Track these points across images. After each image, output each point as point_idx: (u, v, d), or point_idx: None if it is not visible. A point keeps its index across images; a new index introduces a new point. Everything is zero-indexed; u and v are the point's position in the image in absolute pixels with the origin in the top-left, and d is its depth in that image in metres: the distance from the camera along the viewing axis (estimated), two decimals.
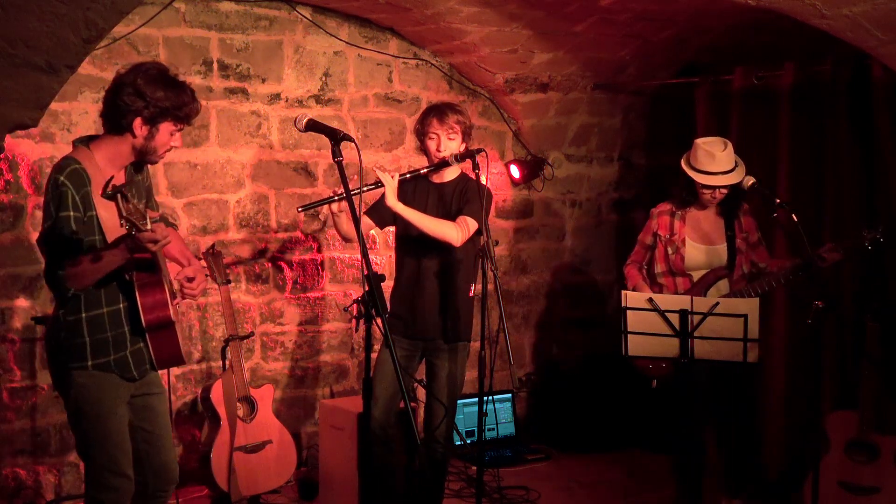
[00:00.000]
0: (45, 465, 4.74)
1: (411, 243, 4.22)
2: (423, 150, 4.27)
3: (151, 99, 3.09)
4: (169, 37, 4.92)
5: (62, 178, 3.04)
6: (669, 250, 4.42)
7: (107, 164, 3.16)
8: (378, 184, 4.05)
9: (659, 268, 4.49)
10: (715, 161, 4.21)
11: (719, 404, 4.58)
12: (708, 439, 4.67)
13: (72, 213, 3.03)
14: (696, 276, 4.38)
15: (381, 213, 4.25)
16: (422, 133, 4.22)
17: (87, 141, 3.21)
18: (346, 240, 4.32)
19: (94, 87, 4.75)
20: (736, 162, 4.28)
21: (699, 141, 4.29)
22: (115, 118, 3.14)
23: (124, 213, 2.78)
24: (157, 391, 3.37)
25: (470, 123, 4.28)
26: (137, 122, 3.11)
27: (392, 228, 4.39)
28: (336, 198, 3.98)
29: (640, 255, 4.58)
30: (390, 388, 4.15)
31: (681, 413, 4.42)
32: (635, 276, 4.50)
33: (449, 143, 4.16)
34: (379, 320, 3.08)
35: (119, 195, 2.77)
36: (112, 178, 2.91)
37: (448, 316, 4.21)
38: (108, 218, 3.08)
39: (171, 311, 3.17)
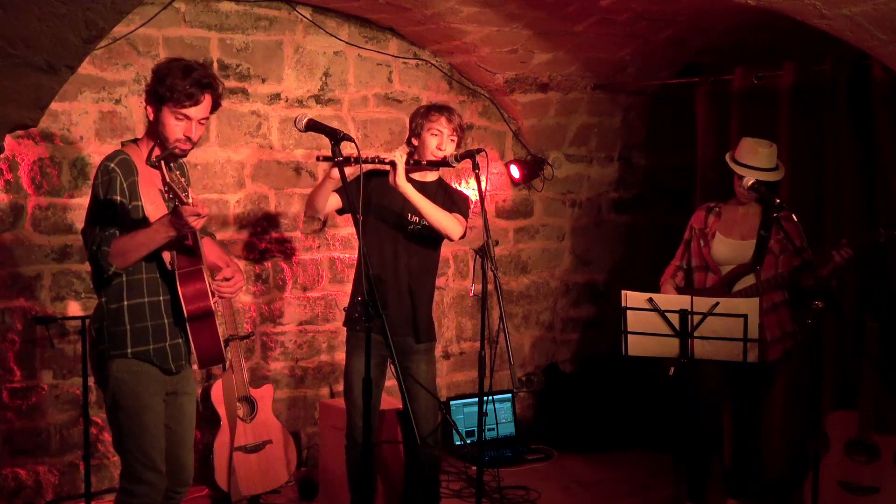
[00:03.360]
0: (45, 465, 4.74)
1: (388, 235, 4.12)
2: (416, 143, 4.16)
3: (153, 82, 3.21)
4: (169, 37, 4.92)
5: (112, 165, 3.17)
6: (701, 242, 4.55)
7: None
8: (387, 162, 3.92)
9: (694, 261, 4.60)
10: (756, 156, 4.40)
11: (732, 402, 4.60)
12: (712, 438, 4.68)
13: (119, 198, 3.14)
14: (725, 271, 4.46)
15: (350, 195, 4.13)
16: (422, 127, 4.12)
17: (134, 140, 3.35)
18: (313, 213, 4.09)
19: (94, 87, 4.75)
20: (777, 165, 4.46)
21: (747, 138, 4.51)
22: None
23: (167, 180, 2.89)
24: (189, 392, 3.44)
25: (464, 132, 4.26)
26: (145, 103, 3.24)
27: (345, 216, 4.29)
28: (351, 160, 3.71)
29: (676, 261, 4.68)
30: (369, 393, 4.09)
31: (687, 412, 4.43)
32: (668, 293, 4.57)
33: (450, 144, 4.15)
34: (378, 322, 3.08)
35: (163, 162, 2.89)
36: (155, 145, 3.09)
37: (421, 315, 4.16)
38: (153, 211, 3.19)
39: (212, 303, 3.23)
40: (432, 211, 4.02)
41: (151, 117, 3.24)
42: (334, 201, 4.06)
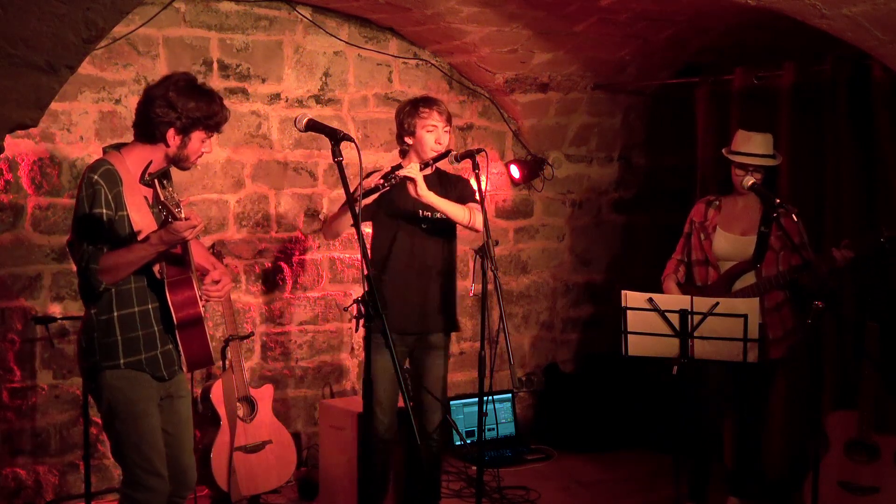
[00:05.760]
0: (45, 465, 4.74)
1: (401, 229, 4.15)
2: (411, 142, 4.16)
3: (183, 110, 3.18)
4: (169, 37, 4.92)
5: (96, 177, 3.13)
6: (702, 236, 4.54)
7: (137, 169, 3.23)
8: (406, 178, 3.95)
9: (694, 255, 4.59)
10: (750, 143, 4.41)
11: (734, 401, 4.60)
12: (713, 438, 4.68)
13: (104, 211, 3.11)
14: (725, 267, 4.45)
15: (366, 210, 4.15)
16: (415, 126, 4.12)
17: (118, 147, 3.30)
18: (334, 237, 4.23)
19: (94, 87, 4.75)
20: (775, 154, 4.48)
21: (741, 130, 4.53)
22: (147, 129, 3.22)
23: (161, 198, 2.90)
24: (183, 394, 3.43)
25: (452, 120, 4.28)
26: (171, 132, 3.20)
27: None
28: (382, 187, 3.94)
29: (677, 254, 4.67)
30: (392, 390, 4.13)
31: (688, 412, 4.42)
32: (670, 290, 4.58)
33: (445, 135, 4.14)
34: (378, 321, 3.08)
35: (156, 180, 2.90)
36: (150, 163, 3.06)
37: (444, 306, 4.19)
38: (139, 219, 3.18)
39: (201, 309, 3.23)
40: (456, 210, 4.06)
41: (174, 143, 3.22)
42: (349, 219, 4.09)
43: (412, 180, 3.95)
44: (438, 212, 4.08)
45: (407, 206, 4.12)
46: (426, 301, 4.16)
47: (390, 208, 4.14)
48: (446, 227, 4.18)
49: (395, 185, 4.00)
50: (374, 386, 4.07)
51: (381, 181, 3.97)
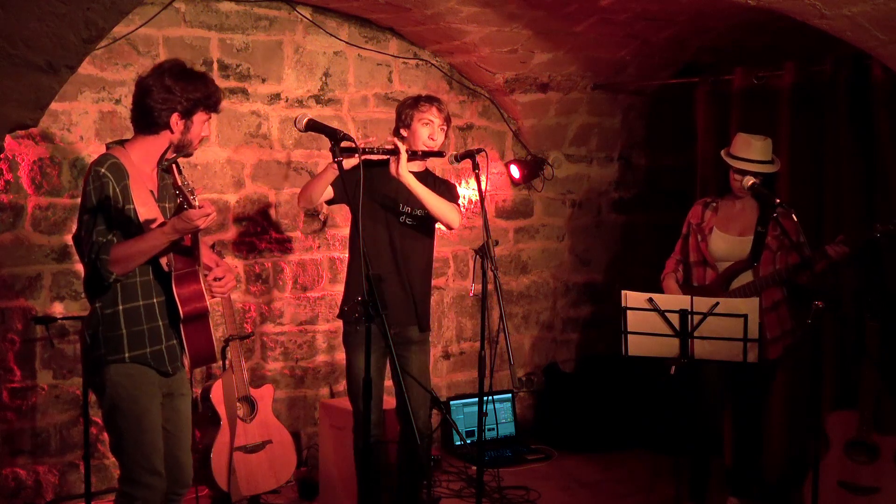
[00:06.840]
0: (45, 465, 4.74)
1: (381, 221, 4.14)
2: (406, 134, 4.16)
3: (183, 93, 3.19)
4: (169, 37, 4.92)
5: (103, 170, 3.14)
6: (699, 237, 4.54)
7: (142, 163, 3.25)
8: (392, 150, 3.95)
9: (692, 256, 4.60)
10: (749, 149, 4.41)
11: (733, 401, 4.60)
12: (713, 438, 4.68)
13: (112, 204, 3.12)
14: (723, 268, 4.45)
15: (346, 188, 3.95)
16: (412, 118, 4.13)
17: (121, 142, 3.31)
18: (307, 203, 4.09)
19: (94, 87, 4.75)
20: (773, 159, 4.47)
21: (741, 133, 4.52)
22: (149, 119, 3.22)
23: (178, 183, 2.91)
24: (184, 392, 3.44)
25: (451, 125, 4.29)
26: (174, 117, 3.21)
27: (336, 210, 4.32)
28: (357, 152, 3.75)
29: (676, 254, 4.68)
30: (376, 390, 4.11)
31: (688, 412, 4.42)
32: (670, 288, 4.59)
33: (440, 133, 4.16)
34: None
35: (175, 165, 2.91)
36: (169, 147, 3.11)
37: (421, 303, 4.20)
38: (146, 212, 3.19)
39: (207, 303, 3.24)
40: (433, 200, 4.05)
41: (178, 128, 3.23)
42: (327, 192, 4.07)
43: (396, 152, 3.93)
44: (418, 208, 4.09)
45: (388, 202, 4.13)
46: (405, 296, 4.16)
47: (372, 195, 4.11)
48: (426, 225, 4.19)
49: (378, 179, 3.98)
50: (355, 386, 4.08)
51: (358, 156, 3.77)
